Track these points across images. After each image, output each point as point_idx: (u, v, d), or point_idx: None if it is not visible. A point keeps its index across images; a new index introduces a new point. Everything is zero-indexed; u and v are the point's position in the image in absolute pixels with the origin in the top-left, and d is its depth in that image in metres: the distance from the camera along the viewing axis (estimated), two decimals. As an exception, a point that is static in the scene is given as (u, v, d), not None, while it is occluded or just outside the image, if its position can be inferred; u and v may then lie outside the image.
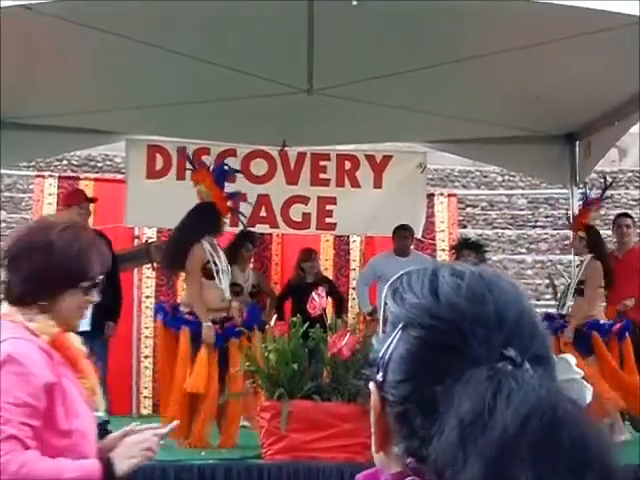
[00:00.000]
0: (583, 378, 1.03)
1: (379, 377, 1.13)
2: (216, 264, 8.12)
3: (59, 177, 12.23)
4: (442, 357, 1.07)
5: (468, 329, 1.07)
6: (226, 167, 9.13)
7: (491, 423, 1.01)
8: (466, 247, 10.48)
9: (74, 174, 13.44)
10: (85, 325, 8.31)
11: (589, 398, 1.03)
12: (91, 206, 9.34)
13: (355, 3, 6.26)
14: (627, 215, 10.21)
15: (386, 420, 1.13)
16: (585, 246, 9.22)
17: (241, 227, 10.05)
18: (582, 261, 9.32)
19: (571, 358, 1.09)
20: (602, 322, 8.95)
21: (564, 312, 9.05)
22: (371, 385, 1.14)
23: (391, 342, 1.11)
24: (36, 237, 2.83)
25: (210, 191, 8.54)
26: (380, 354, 1.13)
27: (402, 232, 10.33)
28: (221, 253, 8.40)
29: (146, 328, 11.48)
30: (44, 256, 2.77)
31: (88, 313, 8.64)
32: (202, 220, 8.28)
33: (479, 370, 1.04)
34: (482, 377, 1.04)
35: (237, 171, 9.57)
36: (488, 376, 1.04)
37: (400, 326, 1.11)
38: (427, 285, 1.11)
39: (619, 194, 14.88)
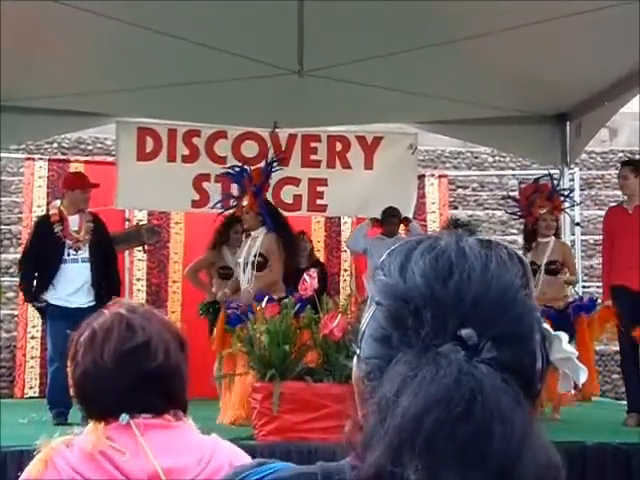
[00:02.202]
0: (577, 358, 1.03)
1: (358, 351, 1.14)
2: None
3: (49, 160, 12.22)
4: (398, 337, 1.06)
5: (422, 309, 1.06)
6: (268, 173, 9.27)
7: (395, 409, 1.01)
8: (456, 228, 10.53)
9: (64, 157, 13.40)
10: (85, 302, 8.48)
11: (584, 378, 1.02)
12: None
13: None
14: (628, 163, 9.31)
15: (362, 394, 1.13)
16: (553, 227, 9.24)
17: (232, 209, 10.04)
18: (546, 242, 9.23)
19: (564, 336, 1.08)
20: (583, 301, 9.12)
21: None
22: (354, 358, 1.16)
23: (365, 319, 1.13)
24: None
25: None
26: (360, 328, 1.13)
27: (392, 219, 10.31)
28: None
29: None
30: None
31: (85, 291, 8.72)
32: None
33: (411, 352, 1.04)
34: (408, 359, 1.03)
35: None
36: (412, 359, 1.03)
37: (372, 305, 1.12)
38: (397, 264, 1.11)
39: (610, 174, 14.90)
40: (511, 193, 11.01)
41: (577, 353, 1.16)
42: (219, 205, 9.80)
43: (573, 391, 1.22)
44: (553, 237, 9.21)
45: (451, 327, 1.05)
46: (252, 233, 8.81)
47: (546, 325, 1.12)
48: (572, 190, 10.15)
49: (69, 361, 2.31)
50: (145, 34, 7.70)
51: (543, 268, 8.97)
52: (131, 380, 2.20)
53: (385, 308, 1.09)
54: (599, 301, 9.08)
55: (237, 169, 9.36)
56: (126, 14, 7.39)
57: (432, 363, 1.02)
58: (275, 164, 9.45)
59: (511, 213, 10.24)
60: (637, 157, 14.64)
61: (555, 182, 9.73)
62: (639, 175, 8.74)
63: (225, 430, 7.43)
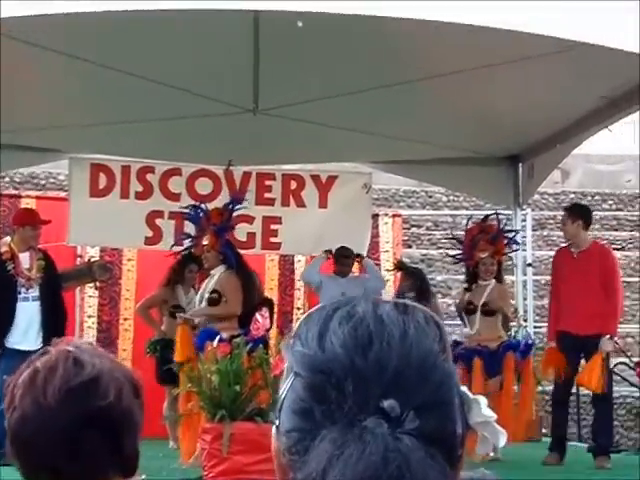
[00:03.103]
0: (496, 421, 1.03)
1: (277, 423, 1.11)
2: None
3: (0, 195, 12.10)
4: (320, 410, 1.04)
5: (344, 382, 1.03)
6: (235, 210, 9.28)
7: None
8: (401, 269, 10.73)
9: (16, 192, 13.28)
10: (34, 344, 8.40)
11: (503, 442, 1.02)
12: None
13: (300, 24, 6.27)
14: (567, 208, 9.66)
15: (282, 467, 1.10)
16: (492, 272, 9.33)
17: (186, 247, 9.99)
18: (485, 285, 9.32)
19: (482, 400, 1.09)
20: (517, 341, 9.31)
21: (472, 332, 9.10)
22: (273, 429, 1.12)
23: (284, 389, 1.09)
24: None
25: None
26: (279, 399, 1.10)
27: (345, 260, 10.33)
28: None
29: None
30: None
31: (35, 332, 8.61)
32: None
33: (335, 428, 1.02)
34: (333, 437, 1.01)
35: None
36: (337, 436, 1.01)
37: (291, 375, 1.09)
38: (315, 334, 1.09)
39: (562, 215, 15.01)
40: (460, 232, 11.05)
41: (495, 416, 1.15)
42: (175, 244, 9.77)
43: (492, 453, 1.22)
44: (493, 280, 9.29)
45: (373, 399, 1.03)
46: (212, 271, 8.80)
47: (464, 388, 1.12)
48: (517, 231, 10.20)
49: (5, 409, 1.99)
50: (99, 71, 7.67)
51: (479, 309, 9.08)
52: (76, 421, 1.92)
53: (304, 380, 1.06)
54: (545, 340, 9.19)
55: (194, 209, 9.32)
56: (80, 50, 7.36)
57: (358, 440, 1.00)
58: (238, 204, 9.43)
59: (452, 256, 10.32)
60: (584, 201, 14.86)
61: (502, 223, 9.79)
62: (576, 221, 8.95)
63: (174, 472, 7.37)
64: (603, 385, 8.57)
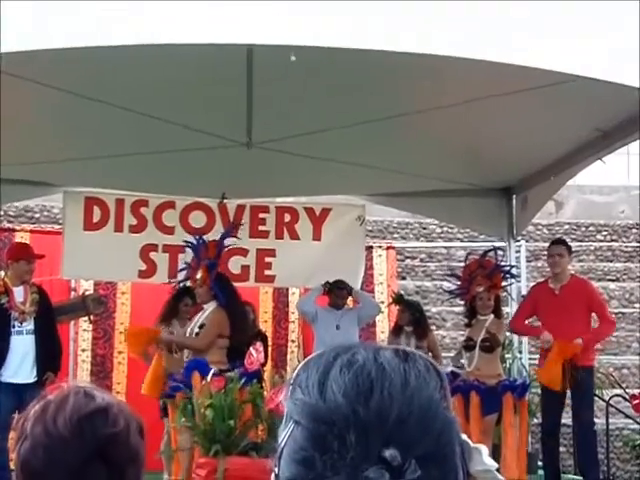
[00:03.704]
0: (497, 470, 1.02)
1: (276, 470, 1.10)
2: None
3: (-5, 228, 12.10)
4: (322, 460, 1.03)
5: (346, 432, 1.03)
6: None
7: None
8: (400, 302, 10.70)
9: (10, 225, 13.27)
10: (30, 377, 8.40)
11: (504, 491, 1.02)
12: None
13: (294, 58, 6.28)
14: (560, 242, 9.80)
15: None
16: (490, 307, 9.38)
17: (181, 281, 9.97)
18: (484, 320, 9.35)
19: (484, 448, 1.08)
20: (515, 381, 9.35)
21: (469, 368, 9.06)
22: (272, 477, 1.11)
23: (283, 438, 1.09)
24: None
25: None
26: (278, 447, 1.10)
27: (340, 292, 10.32)
28: None
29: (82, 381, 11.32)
30: None
31: (30, 365, 8.62)
32: None
33: (338, 478, 1.01)
34: None
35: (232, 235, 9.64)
36: None
37: (290, 423, 1.08)
38: (316, 382, 1.08)
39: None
40: (459, 264, 11.06)
41: (497, 465, 1.14)
42: (170, 277, 9.79)
43: None
44: (492, 315, 9.29)
45: (375, 448, 1.03)
46: (204, 306, 8.80)
47: (464, 437, 1.11)
48: (513, 266, 10.21)
49: (15, 443, 1.97)
50: (93, 105, 7.68)
51: (478, 345, 9.06)
52: (86, 450, 1.89)
53: (306, 429, 1.06)
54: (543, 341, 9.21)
55: (196, 240, 9.32)
56: (73, 85, 7.37)
57: None
58: (229, 237, 9.45)
59: (449, 292, 10.34)
60: (578, 232, 14.90)
61: (499, 258, 9.80)
62: (569, 255, 9.06)
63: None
64: (563, 385, 8.65)
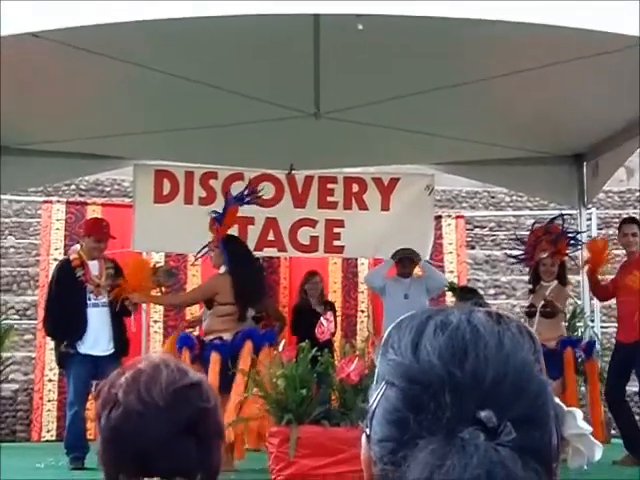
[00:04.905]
0: (591, 434, 1.00)
1: (367, 431, 1.09)
2: None
3: (67, 202, 12.27)
4: (417, 421, 1.03)
5: (441, 393, 1.03)
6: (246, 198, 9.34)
7: None
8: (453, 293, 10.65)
9: (82, 199, 13.46)
10: (107, 349, 8.58)
11: (599, 455, 0.99)
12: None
13: (361, 27, 6.25)
14: (633, 220, 9.61)
15: (373, 476, 1.09)
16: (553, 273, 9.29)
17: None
18: (547, 286, 9.28)
19: (578, 412, 1.06)
20: (577, 338, 9.38)
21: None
22: (363, 438, 1.11)
23: (375, 398, 1.08)
24: None
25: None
26: (370, 408, 1.09)
27: (407, 261, 10.28)
28: None
29: (154, 352, 11.46)
30: None
31: (106, 337, 8.84)
32: None
33: (434, 439, 1.01)
34: (433, 448, 1.00)
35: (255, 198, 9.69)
36: (437, 447, 1.00)
37: (382, 384, 1.08)
38: (409, 342, 1.07)
39: (627, 213, 14.84)
40: (528, 233, 10.96)
41: (591, 429, 1.12)
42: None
43: (586, 467, 1.18)
44: (555, 281, 9.22)
45: (470, 410, 1.02)
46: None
47: (557, 400, 1.10)
48: (580, 232, 10.11)
49: (100, 410, 1.96)
50: (162, 77, 7.73)
51: (539, 311, 9.02)
52: (179, 423, 1.90)
53: (399, 390, 1.05)
54: (612, 340, 9.14)
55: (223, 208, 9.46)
56: (143, 58, 7.42)
57: (460, 452, 0.99)
58: (241, 202, 9.48)
59: (513, 257, 10.23)
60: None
61: (565, 224, 9.70)
62: None
63: (242, 475, 7.40)
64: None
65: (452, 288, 10.77)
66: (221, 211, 9.30)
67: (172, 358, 2.07)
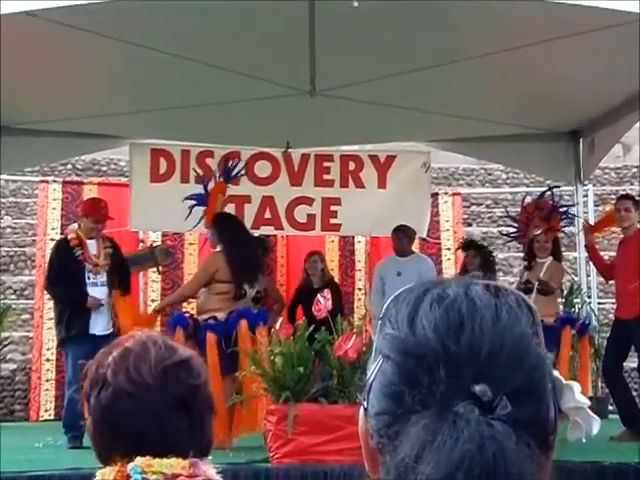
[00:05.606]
0: (589, 407, 1.00)
1: (365, 404, 1.09)
2: None
3: (63, 182, 12.25)
4: (412, 395, 1.02)
5: (436, 367, 1.02)
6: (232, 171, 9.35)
7: (416, 476, 0.97)
8: (471, 247, 10.60)
9: (78, 179, 13.44)
10: (105, 329, 8.60)
11: (597, 428, 0.99)
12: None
13: (356, 4, 6.24)
14: (627, 197, 9.50)
15: (370, 449, 1.09)
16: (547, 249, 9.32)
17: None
18: (542, 263, 9.31)
19: (576, 386, 1.06)
20: (573, 317, 9.35)
21: None
22: (360, 411, 1.11)
23: (373, 372, 1.08)
24: None
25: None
26: (367, 381, 1.09)
27: (396, 233, 10.29)
28: None
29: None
30: None
31: (105, 316, 8.85)
32: None
33: (427, 413, 1.00)
34: (425, 422, 1.00)
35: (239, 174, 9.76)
36: (430, 422, 1.00)
37: (380, 357, 1.08)
38: (406, 316, 1.07)
39: (624, 190, 14.84)
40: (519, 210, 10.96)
41: (589, 403, 1.12)
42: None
43: (584, 440, 1.17)
44: (550, 258, 9.23)
45: (465, 384, 1.01)
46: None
47: (556, 373, 1.09)
48: (571, 206, 10.12)
49: (88, 390, 1.96)
50: (157, 56, 7.71)
51: (535, 287, 9.05)
52: (170, 400, 1.90)
53: (395, 363, 1.05)
54: (609, 317, 9.15)
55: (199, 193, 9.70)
56: (138, 36, 7.40)
57: (451, 427, 0.99)
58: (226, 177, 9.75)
59: (505, 234, 10.22)
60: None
61: (555, 198, 9.69)
62: (637, 209, 8.92)
63: (240, 453, 7.41)
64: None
65: (469, 245, 10.76)
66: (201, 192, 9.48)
67: (159, 335, 2.06)
